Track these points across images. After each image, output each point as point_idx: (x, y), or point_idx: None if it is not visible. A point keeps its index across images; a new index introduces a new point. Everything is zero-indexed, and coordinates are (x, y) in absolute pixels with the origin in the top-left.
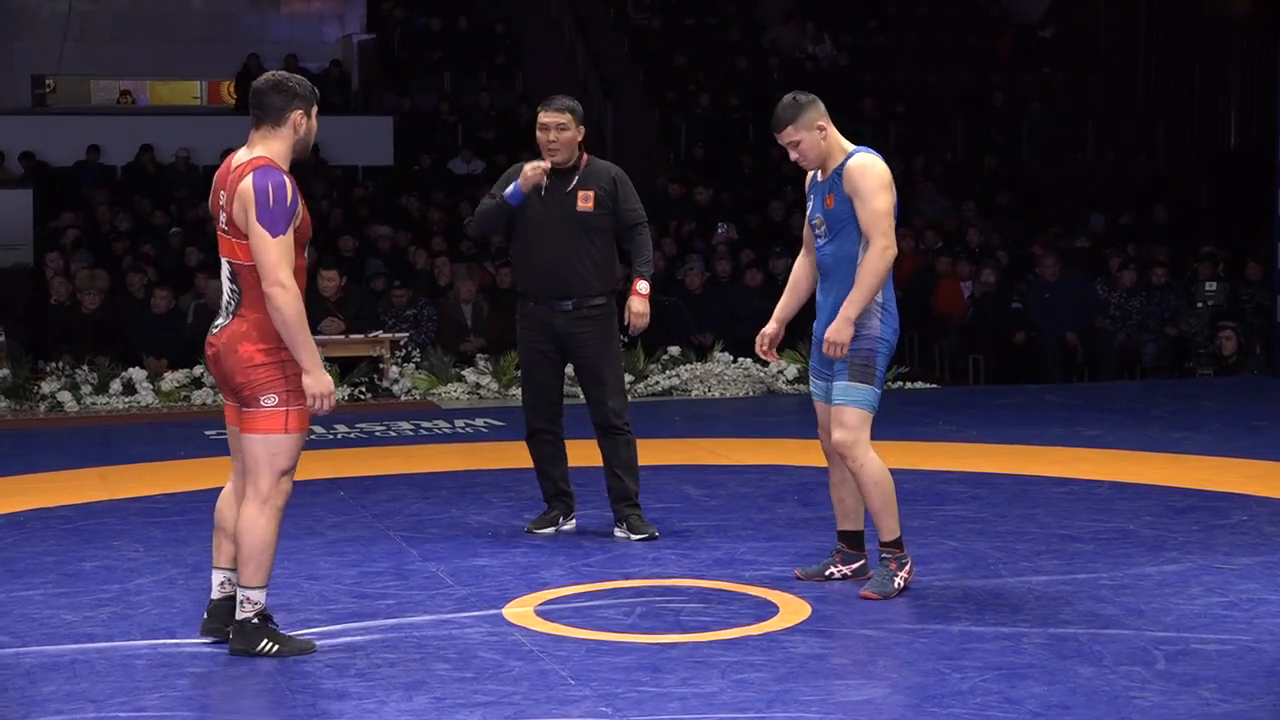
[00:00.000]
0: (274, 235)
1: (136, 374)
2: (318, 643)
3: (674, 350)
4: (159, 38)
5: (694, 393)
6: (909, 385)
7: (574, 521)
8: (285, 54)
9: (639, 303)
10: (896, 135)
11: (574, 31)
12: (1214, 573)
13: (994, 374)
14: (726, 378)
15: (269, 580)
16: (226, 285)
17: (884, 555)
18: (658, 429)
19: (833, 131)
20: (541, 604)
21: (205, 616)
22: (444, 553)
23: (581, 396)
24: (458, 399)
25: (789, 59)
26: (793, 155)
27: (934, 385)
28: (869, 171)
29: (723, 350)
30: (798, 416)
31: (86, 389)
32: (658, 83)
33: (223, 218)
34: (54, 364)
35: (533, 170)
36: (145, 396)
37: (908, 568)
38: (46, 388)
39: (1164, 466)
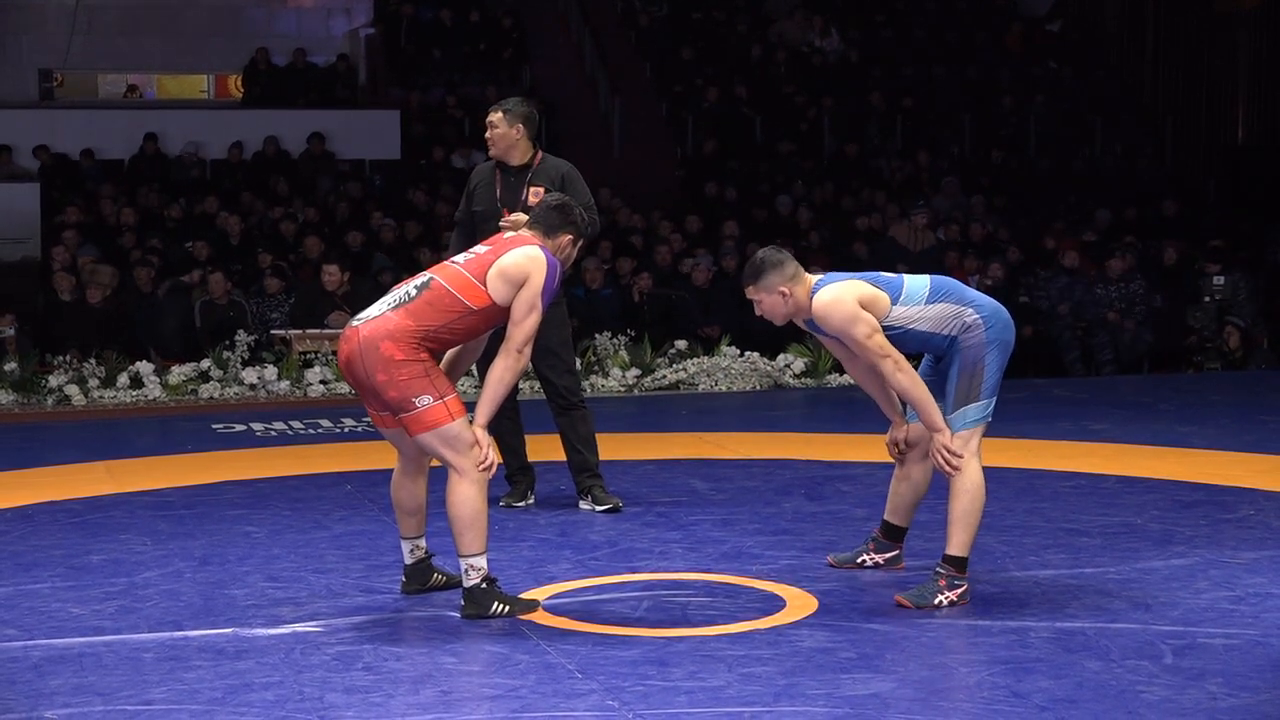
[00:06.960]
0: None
1: (144, 367)
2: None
3: (681, 344)
4: (166, 31)
5: (701, 386)
6: None
7: (534, 496)
8: (293, 48)
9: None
10: (903, 130)
11: (581, 25)
12: (1221, 567)
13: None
14: (733, 371)
15: (487, 545)
16: (403, 289)
17: (940, 569)
18: (664, 423)
19: (798, 288)
20: (548, 597)
21: (404, 579)
22: (451, 546)
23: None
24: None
25: (796, 53)
26: (757, 311)
27: None
28: (830, 315)
29: (729, 344)
30: (804, 410)
31: (94, 382)
32: (665, 76)
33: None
34: (61, 357)
35: None
36: (152, 390)
37: (960, 591)
38: (54, 381)
39: (1171, 461)
